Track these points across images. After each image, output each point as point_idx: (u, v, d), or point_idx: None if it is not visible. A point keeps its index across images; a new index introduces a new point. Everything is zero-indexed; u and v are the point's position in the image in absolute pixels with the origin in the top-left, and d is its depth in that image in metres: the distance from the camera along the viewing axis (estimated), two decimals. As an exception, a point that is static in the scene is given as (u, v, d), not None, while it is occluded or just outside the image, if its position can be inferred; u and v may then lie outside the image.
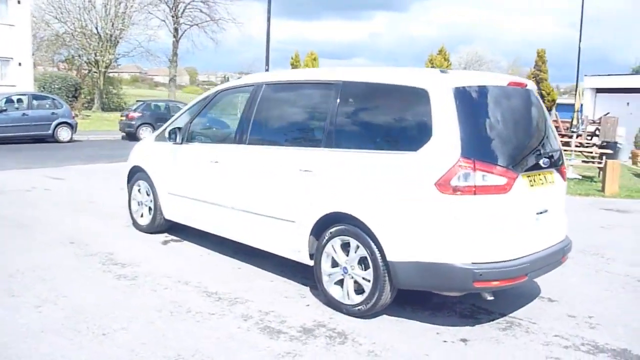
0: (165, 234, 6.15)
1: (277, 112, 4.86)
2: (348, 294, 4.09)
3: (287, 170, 4.46)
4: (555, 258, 4.09)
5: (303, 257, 4.45)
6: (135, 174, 6.29)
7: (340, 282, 4.18)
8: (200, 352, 3.41)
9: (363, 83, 4.22)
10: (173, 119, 6.03)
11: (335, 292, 4.18)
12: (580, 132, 19.12)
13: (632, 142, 19.68)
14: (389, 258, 3.79)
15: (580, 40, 21.61)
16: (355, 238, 3.99)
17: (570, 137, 19.06)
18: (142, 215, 6.26)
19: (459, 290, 3.81)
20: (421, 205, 3.65)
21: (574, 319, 4.23)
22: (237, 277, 4.88)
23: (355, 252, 4.02)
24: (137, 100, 22.43)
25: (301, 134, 4.57)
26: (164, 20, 37.57)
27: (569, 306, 4.49)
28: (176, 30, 38.02)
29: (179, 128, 5.56)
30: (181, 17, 38.01)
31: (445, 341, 3.75)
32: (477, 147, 3.60)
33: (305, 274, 4.86)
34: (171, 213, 5.84)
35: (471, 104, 3.71)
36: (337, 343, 3.64)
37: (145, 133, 19.58)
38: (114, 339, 3.54)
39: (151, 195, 6.03)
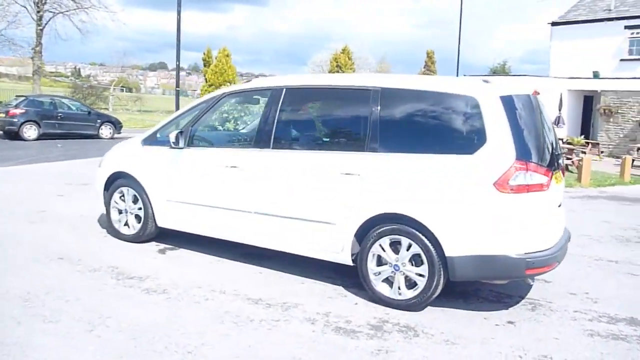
0: (154, 243, 5.85)
1: (306, 117, 4.91)
2: (399, 290, 4.32)
3: (326, 174, 4.56)
4: (567, 246, 4.69)
5: (343, 258, 4.59)
6: (116, 181, 5.89)
7: (387, 279, 4.40)
8: (302, 359, 3.44)
9: (405, 90, 4.46)
10: (165, 122, 5.75)
11: (383, 289, 4.40)
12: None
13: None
14: (447, 254, 4.09)
15: (459, 42, 23.71)
16: (408, 237, 4.23)
17: None
18: (126, 224, 5.88)
19: (512, 278, 4.24)
20: (480, 203, 4.01)
21: (576, 296, 4.89)
22: (267, 282, 4.86)
23: (408, 250, 4.26)
24: (18, 96, 20.16)
25: (339, 138, 4.69)
26: (25, 7, 33.90)
27: (563, 286, 5.14)
28: (40, 18, 34.50)
29: (180, 132, 5.33)
30: (45, 3, 34.57)
31: (497, 325, 4.16)
32: (526, 150, 4.04)
33: (327, 273, 5.02)
34: (168, 221, 5.58)
35: (514, 110, 4.13)
36: (412, 336, 3.87)
37: (30, 132, 17.78)
38: (206, 356, 3.43)
39: (140, 202, 5.70)
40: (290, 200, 4.75)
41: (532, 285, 5.09)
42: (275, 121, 4.89)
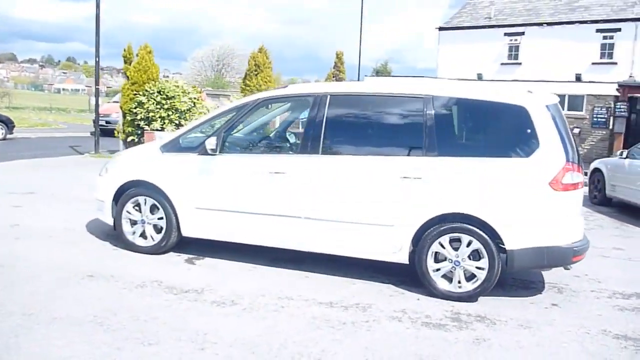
0: (174, 253, 5.62)
1: (355, 123, 5.05)
2: (459, 284, 4.68)
3: (384, 178, 4.77)
4: None
5: (400, 257, 4.84)
6: (129, 190, 5.55)
7: (445, 275, 4.73)
8: (430, 355, 3.65)
9: (457, 99, 4.81)
10: (187, 128, 5.53)
11: (443, 284, 4.73)
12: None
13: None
14: (508, 247, 4.53)
15: (360, 43, 24.72)
16: (469, 234, 4.60)
17: None
18: (142, 235, 5.58)
19: (560, 265, 4.78)
20: (536, 201, 4.50)
21: (580, 278, 5.61)
22: (322, 285, 4.94)
23: (468, 246, 4.63)
24: None
25: (395, 144, 4.90)
26: None
27: (561, 269, 5.82)
28: None
29: (217, 139, 5.20)
30: None
31: (546, 307, 4.69)
32: (570, 152, 4.59)
33: (368, 273, 5.27)
34: (197, 230, 5.41)
35: (556, 117, 4.68)
36: (490, 324, 4.25)
37: None
38: (339, 361, 3.50)
39: (160, 212, 5.44)
40: (345, 204, 4.88)
41: (538, 270, 5.73)
42: (323, 127, 4.98)
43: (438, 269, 4.73)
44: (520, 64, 26.54)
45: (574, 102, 24.33)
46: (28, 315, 3.92)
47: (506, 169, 4.56)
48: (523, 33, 26.45)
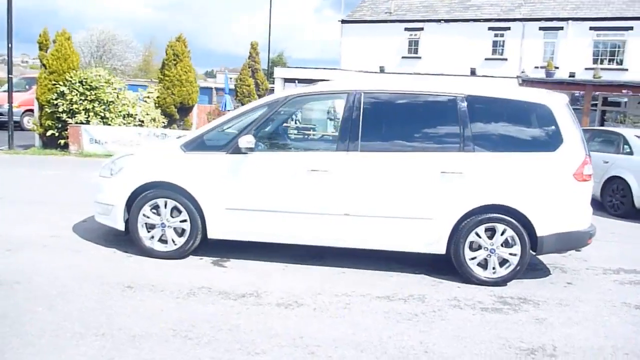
0: (195, 257, 5.38)
1: (392, 120, 5.17)
2: (494, 270, 5.05)
3: (424, 173, 4.98)
4: None
5: (438, 248, 5.09)
6: (145, 192, 5.21)
7: (479, 262, 5.07)
8: (513, 337, 3.94)
9: (488, 97, 5.14)
10: (211, 126, 5.29)
11: (478, 270, 5.06)
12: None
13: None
14: (539, 234, 4.97)
15: (269, 33, 24.62)
16: (503, 223, 4.97)
17: None
18: (161, 240, 5.27)
19: (578, 247, 5.29)
20: (562, 191, 4.98)
21: (568, 258, 6.27)
22: (364, 279, 5.04)
23: (502, 235, 5.00)
24: None
25: (433, 140, 5.11)
26: None
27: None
28: None
29: (237, 137, 5.05)
30: None
31: (565, 286, 5.22)
32: (586, 147, 5.13)
33: (399, 265, 5.47)
34: (226, 231, 5.23)
35: (572, 114, 5.19)
36: (535, 305, 4.65)
37: None
38: (443, 353, 3.66)
39: (184, 214, 5.18)
40: (385, 200, 5.02)
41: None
42: (361, 124, 5.06)
43: (474, 258, 5.05)
44: (420, 57, 28.08)
45: (472, 94, 26.21)
46: (102, 335, 3.60)
47: (536, 162, 4.98)
48: (422, 28, 27.98)
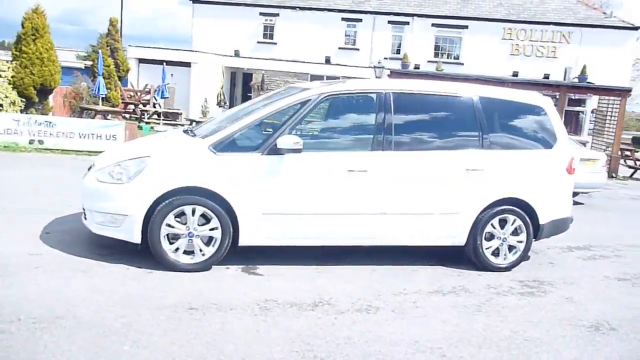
0: (221, 267, 4.94)
1: (420, 119, 5.31)
2: (505, 257, 5.58)
3: (451, 171, 5.27)
4: None
5: (460, 241, 5.45)
6: (170, 199, 4.64)
7: (493, 251, 5.56)
8: (568, 317, 4.45)
9: (496, 99, 5.58)
10: (240, 125, 4.86)
11: (493, 259, 5.55)
12: (156, 102, 20.85)
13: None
14: (541, 222, 5.61)
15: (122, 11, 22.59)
16: (514, 214, 5.51)
17: (137, 105, 20.68)
18: (187, 252, 4.76)
19: (564, 231, 6.02)
20: (558, 183, 5.69)
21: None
22: (398, 276, 5.17)
23: (512, 225, 5.54)
24: None
25: (457, 139, 5.37)
26: None
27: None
28: None
29: (273, 136, 4.80)
30: None
31: (552, 267, 5.99)
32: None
33: (417, 259, 5.69)
34: (261, 236, 4.91)
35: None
36: (555, 285, 5.29)
37: None
38: (540, 339, 4.02)
39: (214, 221, 4.74)
40: (417, 197, 5.20)
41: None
42: (393, 124, 5.14)
43: (489, 247, 5.51)
44: (275, 43, 28.27)
45: (332, 82, 27.26)
46: (232, 367, 3.22)
47: (538, 158, 5.60)
48: (278, 14, 28.16)
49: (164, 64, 19.57)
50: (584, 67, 21.25)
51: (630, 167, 18.53)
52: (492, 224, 5.46)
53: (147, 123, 18.38)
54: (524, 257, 5.67)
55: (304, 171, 4.90)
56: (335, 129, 5.17)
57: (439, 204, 5.27)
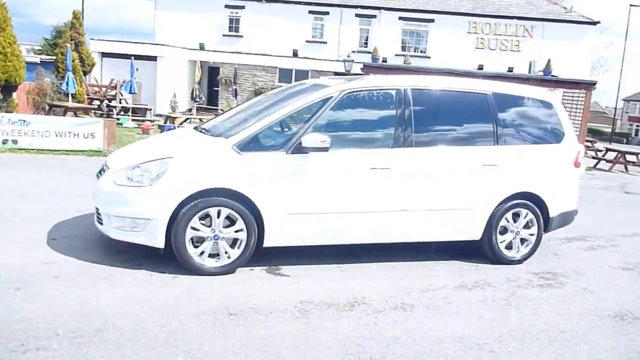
0: (244, 268, 4.86)
1: (437, 116, 5.33)
2: (518, 250, 5.70)
3: (469, 167, 5.33)
4: None
5: (476, 235, 5.52)
6: (195, 201, 4.51)
7: (506, 245, 5.66)
8: (590, 309, 4.58)
9: (508, 95, 5.66)
10: (264, 124, 4.75)
11: (507, 252, 5.66)
12: (122, 97, 20.25)
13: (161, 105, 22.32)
14: (551, 215, 5.75)
15: (83, 3, 21.77)
16: (526, 207, 5.62)
17: (103, 100, 20.08)
18: (213, 255, 4.64)
19: (569, 223, 6.17)
20: (566, 177, 5.84)
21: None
22: (419, 272, 5.19)
23: (525, 218, 5.66)
24: None
25: (473, 135, 5.41)
26: None
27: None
28: None
29: (297, 135, 4.74)
30: None
31: (557, 257, 6.15)
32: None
33: (423, 253, 5.67)
34: (285, 237, 4.84)
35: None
36: (570, 276, 5.43)
37: None
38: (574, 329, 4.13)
39: (240, 223, 4.64)
40: (437, 193, 5.23)
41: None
42: (413, 120, 5.14)
43: (503, 241, 5.61)
44: (242, 36, 27.92)
45: (301, 76, 27.15)
46: (294, 373, 3.16)
47: (548, 153, 5.73)
48: (243, 7, 27.80)
49: (132, 58, 18.99)
50: (549, 60, 21.92)
51: (593, 157, 19.29)
52: (506, 218, 5.56)
53: (117, 120, 17.82)
54: (535, 249, 5.79)
55: (327, 169, 4.84)
56: (357, 126, 5.12)
57: (457, 200, 5.32)
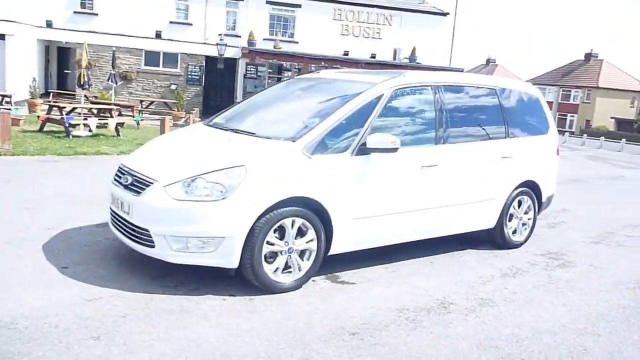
0: (312, 280, 4.53)
1: (463, 111, 5.44)
2: (521, 234, 6.17)
3: (492, 160, 5.59)
4: None
5: (491, 224, 5.84)
6: (271, 213, 4.07)
7: (513, 230, 6.08)
8: (608, 288, 5.16)
9: (511, 89, 6.01)
10: (329, 125, 4.39)
11: (514, 237, 6.08)
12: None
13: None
14: (543, 199, 6.31)
15: None
16: (527, 194, 6.09)
17: None
18: (285, 269, 4.26)
19: (549, 205, 6.77)
20: (552, 164, 6.43)
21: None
22: (454, 265, 5.32)
23: (527, 205, 6.13)
24: None
25: (490, 129, 5.63)
26: None
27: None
28: None
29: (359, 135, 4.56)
30: None
31: (556, 238, 6.76)
32: (549, 128, 6.69)
33: (439, 245, 5.84)
34: (351, 243, 4.64)
35: (543, 102, 6.64)
36: (573, 257, 5.99)
37: None
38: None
39: (311, 232, 4.32)
40: (468, 187, 5.40)
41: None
42: (448, 116, 5.23)
43: (511, 227, 6.02)
44: (96, 14, 25.28)
45: (170, 59, 25.49)
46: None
47: (540, 143, 6.24)
48: (95, -19, 25.04)
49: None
50: (414, 48, 23.55)
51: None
52: (513, 206, 5.96)
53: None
54: (532, 232, 6.30)
55: (387, 170, 4.70)
56: (405, 124, 5.01)
57: (484, 192, 5.56)
